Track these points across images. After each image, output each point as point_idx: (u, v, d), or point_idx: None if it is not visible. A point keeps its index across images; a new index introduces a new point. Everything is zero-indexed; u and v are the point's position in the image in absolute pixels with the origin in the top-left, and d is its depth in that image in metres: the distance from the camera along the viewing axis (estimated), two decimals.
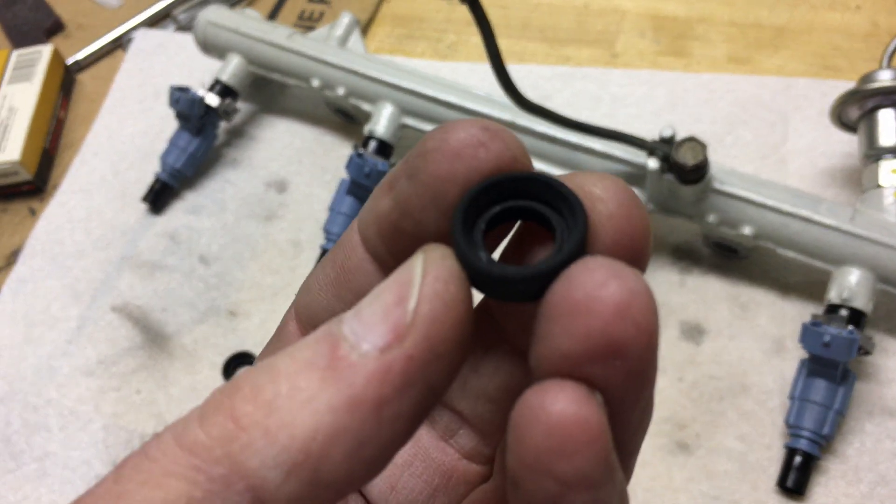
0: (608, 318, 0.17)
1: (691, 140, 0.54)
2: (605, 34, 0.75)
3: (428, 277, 0.18)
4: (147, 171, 0.71)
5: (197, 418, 0.18)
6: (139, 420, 0.60)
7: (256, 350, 0.62)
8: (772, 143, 0.67)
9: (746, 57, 0.72)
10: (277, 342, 0.25)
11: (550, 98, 0.71)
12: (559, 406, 0.17)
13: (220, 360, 0.62)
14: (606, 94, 0.71)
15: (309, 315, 0.23)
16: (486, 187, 0.19)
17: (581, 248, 0.19)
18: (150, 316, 0.65)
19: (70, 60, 0.81)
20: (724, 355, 0.58)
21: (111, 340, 0.64)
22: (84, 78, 0.81)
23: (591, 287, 0.17)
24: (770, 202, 0.55)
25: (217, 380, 0.61)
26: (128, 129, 0.76)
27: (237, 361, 0.62)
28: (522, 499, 0.18)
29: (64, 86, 0.79)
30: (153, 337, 0.64)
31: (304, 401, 0.17)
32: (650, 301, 0.17)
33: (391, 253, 0.21)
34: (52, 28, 0.83)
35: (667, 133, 0.55)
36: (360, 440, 0.17)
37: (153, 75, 0.79)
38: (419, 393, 0.17)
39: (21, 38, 0.83)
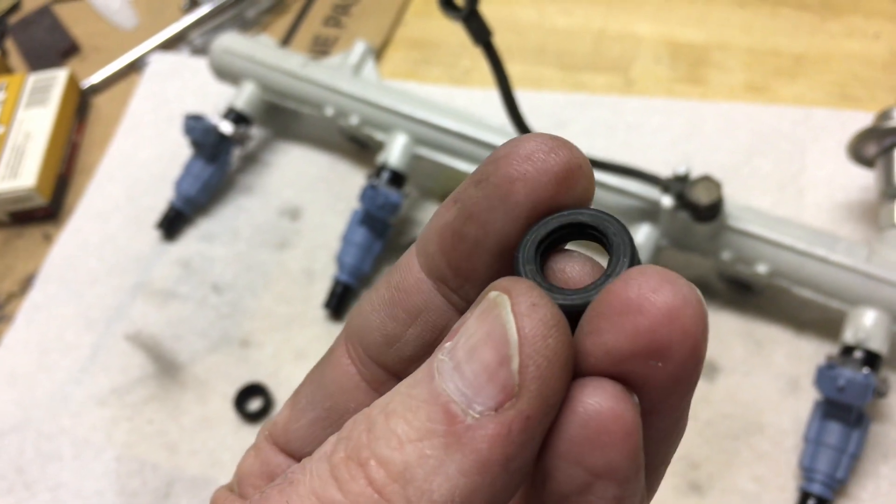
0: (657, 318, 0.18)
1: (706, 179, 0.54)
2: (620, 60, 0.74)
3: (526, 335, 0.18)
4: (161, 197, 0.71)
5: (331, 480, 0.19)
6: (151, 450, 0.60)
7: (268, 381, 0.62)
8: (789, 175, 0.66)
9: (764, 85, 0.71)
10: (324, 367, 0.25)
11: (566, 126, 0.71)
12: (597, 399, 0.18)
13: (232, 391, 0.62)
14: (622, 122, 0.71)
15: (360, 336, 0.24)
16: (554, 224, 0.20)
17: (636, 260, 0.20)
18: (163, 345, 0.65)
19: (85, 84, 0.81)
20: (739, 393, 0.57)
21: (124, 369, 0.64)
22: (99, 101, 0.82)
23: (646, 289, 0.18)
24: (785, 241, 0.55)
25: (228, 411, 0.61)
26: (142, 153, 0.76)
27: (249, 392, 0.62)
28: (551, 490, 0.19)
29: (79, 109, 0.79)
30: (165, 366, 0.64)
31: (435, 468, 0.18)
32: (701, 311, 0.18)
33: (451, 266, 0.22)
34: (67, 50, 0.84)
35: (681, 170, 0.55)
36: (493, 494, 0.18)
37: (168, 99, 0.79)
38: (538, 437, 0.18)
39: (37, 60, 0.83)
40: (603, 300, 0.18)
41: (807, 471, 0.51)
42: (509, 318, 0.18)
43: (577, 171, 0.20)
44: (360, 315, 0.24)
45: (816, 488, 0.51)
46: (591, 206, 0.21)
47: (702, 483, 0.54)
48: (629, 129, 0.70)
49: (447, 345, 0.19)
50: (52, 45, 0.84)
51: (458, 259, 0.21)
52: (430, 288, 0.22)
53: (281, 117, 0.76)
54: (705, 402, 0.57)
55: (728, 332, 0.60)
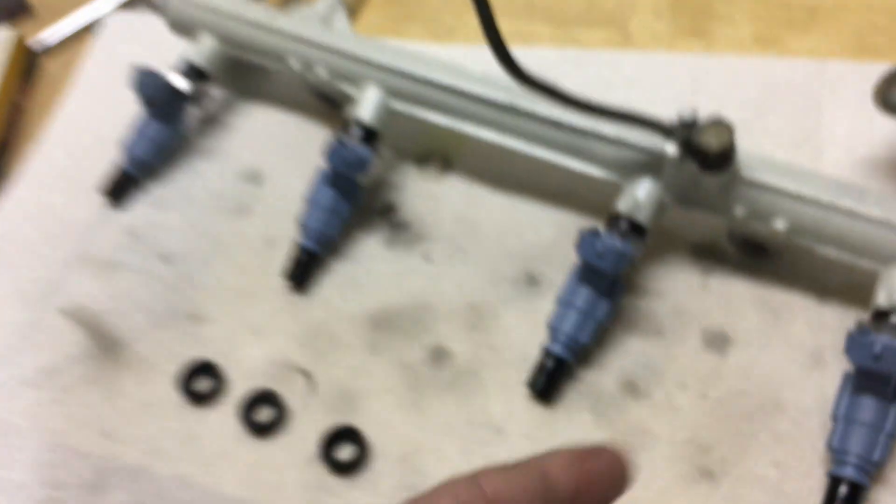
0: None
1: (716, 123, 0.47)
2: (617, 14, 0.68)
3: None
4: (110, 163, 0.64)
5: None
6: (84, 437, 0.53)
7: (220, 359, 0.55)
8: (805, 131, 0.59)
9: (774, 37, 0.64)
10: None
11: (558, 83, 0.64)
12: None
13: (177, 371, 0.54)
14: (620, 78, 0.64)
15: None
16: None
17: None
18: (103, 320, 0.58)
19: (34, 45, 0.74)
20: (754, 368, 0.50)
21: (58, 347, 0.57)
22: (49, 63, 0.75)
23: None
24: (807, 192, 0.48)
25: (172, 392, 0.54)
26: (93, 118, 0.69)
27: (196, 372, 0.54)
28: None
29: (26, 71, 0.72)
30: (105, 344, 0.57)
31: None
32: None
33: None
34: (14, 9, 0.77)
35: (687, 115, 0.48)
36: None
37: (124, 61, 0.71)
38: None
39: None
40: None
41: (837, 452, 0.44)
42: None
43: None
44: None
45: (849, 472, 0.43)
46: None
47: (714, 469, 0.47)
48: (628, 86, 0.63)
49: None
50: (0, 4, 0.77)
51: None
52: None
53: (243, 76, 0.69)
54: (716, 377, 0.50)
55: (740, 300, 0.53)
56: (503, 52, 0.44)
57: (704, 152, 0.46)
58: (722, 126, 0.46)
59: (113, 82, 0.70)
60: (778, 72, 0.62)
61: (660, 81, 0.64)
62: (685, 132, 0.47)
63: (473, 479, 0.27)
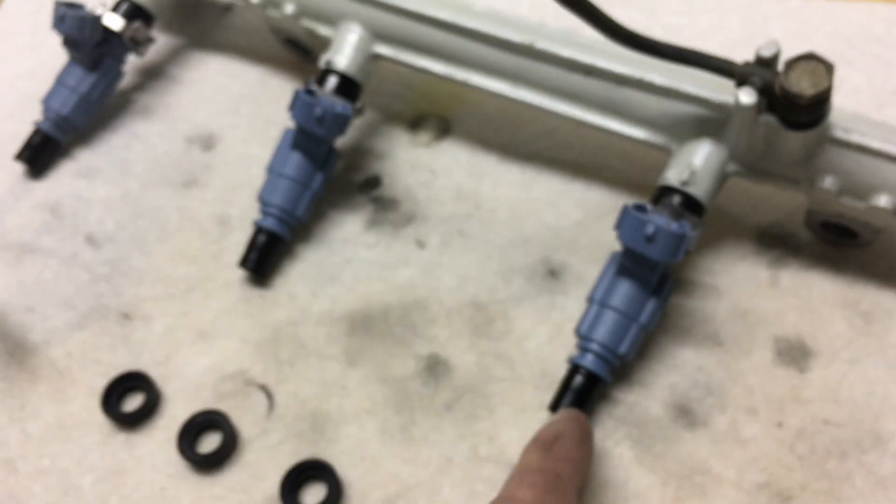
0: None
1: (809, 59, 0.35)
2: None
3: None
4: (27, 123, 0.52)
5: None
6: None
7: (155, 370, 0.43)
8: (890, 88, 0.48)
9: None
10: None
11: (582, 32, 0.52)
12: None
13: (103, 384, 0.42)
14: (658, 25, 0.52)
15: None
16: None
17: None
18: (10, 318, 0.46)
19: None
20: (844, 389, 0.39)
21: None
22: None
23: None
24: None
25: (95, 412, 0.42)
26: (12, 68, 0.57)
27: (126, 385, 0.42)
28: None
29: None
30: (11, 348, 0.45)
31: None
32: None
33: None
34: None
35: (768, 51, 0.36)
36: None
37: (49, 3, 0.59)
38: None
39: None
40: None
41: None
42: None
43: None
44: None
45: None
46: None
47: None
48: (668, 33, 0.51)
49: None
50: None
51: None
52: None
53: (195, 19, 0.57)
54: (795, 401, 0.39)
55: (823, 302, 0.41)
56: None
57: (793, 100, 0.35)
58: (817, 64, 0.35)
59: (37, 25, 0.58)
60: (853, 18, 0.51)
61: (706, 29, 0.52)
62: (764, 74, 0.36)
63: None
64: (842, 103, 0.41)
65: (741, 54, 0.38)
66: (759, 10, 0.52)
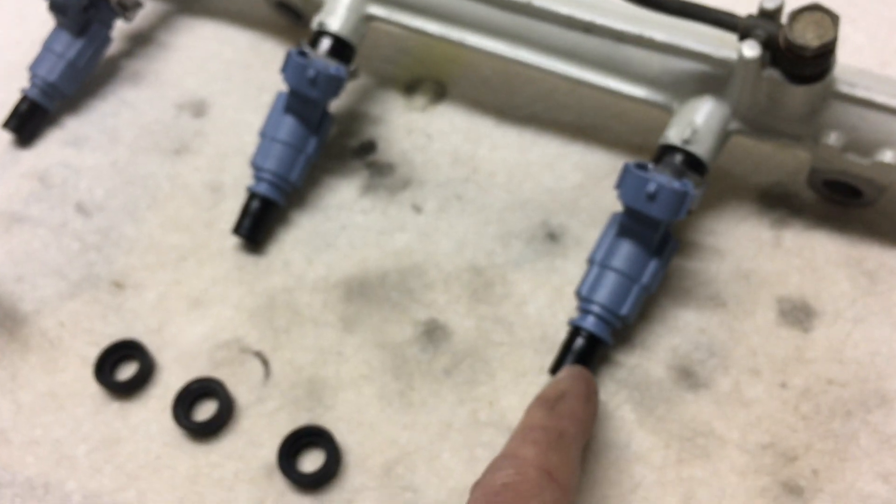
0: None
1: (814, 9, 0.34)
2: None
3: None
4: (13, 91, 0.51)
5: None
6: None
7: (149, 338, 0.42)
8: (893, 47, 0.47)
9: None
10: None
11: None
12: None
13: (95, 353, 0.42)
14: None
15: None
16: None
17: None
18: (0, 288, 0.45)
19: None
20: (848, 349, 0.38)
21: None
22: None
23: None
24: None
25: (88, 381, 0.41)
26: None
27: (118, 354, 0.42)
28: None
29: None
30: (1, 318, 0.44)
31: None
32: None
33: None
34: None
35: (771, 3, 0.35)
36: None
37: None
38: None
39: None
40: None
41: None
42: None
43: None
44: None
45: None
46: None
47: (802, 484, 0.35)
48: None
49: None
50: None
51: None
52: None
53: None
54: (799, 361, 0.38)
55: (826, 262, 0.41)
56: None
57: (798, 51, 0.34)
58: (823, 15, 0.34)
59: None
60: None
61: None
62: (768, 26, 0.35)
63: None
64: (845, 62, 0.41)
65: (745, 8, 0.37)
66: None
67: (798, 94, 0.36)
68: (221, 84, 0.51)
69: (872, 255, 0.40)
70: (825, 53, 0.34)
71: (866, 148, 0.37)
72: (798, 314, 0.39)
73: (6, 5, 0.57)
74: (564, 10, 0.41)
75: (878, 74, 0.38)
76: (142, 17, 0.54)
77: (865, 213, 0.41)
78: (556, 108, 0.47)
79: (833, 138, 0.37)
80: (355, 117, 0.49)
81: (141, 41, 0.54)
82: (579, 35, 0.41)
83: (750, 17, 0.36)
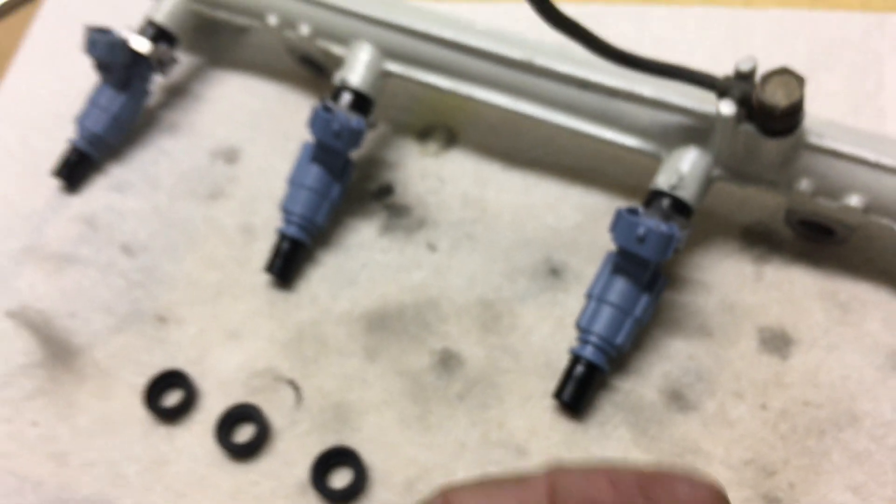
0: None
1: (783, 73, 0.39)
2: None
3: None
4: (64, 142, 0.55)
5: None
6: (34, 462, 0.45)
7: (191, 368, 0.47)
8: (865, 92, 0.51)
9: None
10: None
11: (577, 48, 0.56)
12: None
13: (142, 382, 0.46)
14: (647, 35, 0.56)
15: None
16: None
17: None
18: (55, 323, 0.49)
19: None
20: (822, 374, 0.42)
21: (3, 356, 0.48)
22: None
23: None
24: (888, 161, 0.40)
25: (137, 407, 0.46)
26: (43, 89, 0.60)
27: (165, 383, 0.46)
28: None
29: None
30: (57, 351, 0.48)
31: None
32: None
33: None
34: None
35: (746, 66, 0.40)
36: None
37: (77, 23, 0.63)
38: None
39: None
40: None
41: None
42: None
43: None
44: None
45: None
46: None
47: (780, 496, 0.39)
48: (657, 44, 0.55)
49: None
50: None
51: None
52: None
53: (215, 39, 0.60)
54: (778, 385, 0.42)
55: (803, 294, 0.45)
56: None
57: (769, 110, 0.38)
58: (790, 77, 0.38)
59: (65, 47, 0.61)
60: (830, 26, 0.54)
61: (692, 39, 0.56)
62: (743, 87, 0.39)
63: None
64: (820, 106, 0.45)
65: (726, 60, 0.42)
66: (743, 19, 0.56)
67: (771, 146, 0.41)
68: (250, 132, 0.56)
69: (845, 288, 0.45)
70: (793, 112, 0.39)
71: (835, 192, 0.41)
72: (777, 342, 0.44)
73: (48, 59, 0.62)
74: (562, 68, 0.45)
75: (845, 125, 0.42)
76: (177, 70, 0.58)
77: (838, 250, 0.45)
78: (557, 154, 0.52)
79: (805, 184, 0.42)
80: (374, 163, 0.53)
81: (177, 93, 0.59)
82: (576, 91, 0.46)
83: (727, 77, 0.40)
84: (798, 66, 0.49)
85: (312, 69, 0.56)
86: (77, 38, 0.55)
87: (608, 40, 0.40)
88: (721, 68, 0.41)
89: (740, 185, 0.44)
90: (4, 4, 0.67)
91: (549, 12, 0.37)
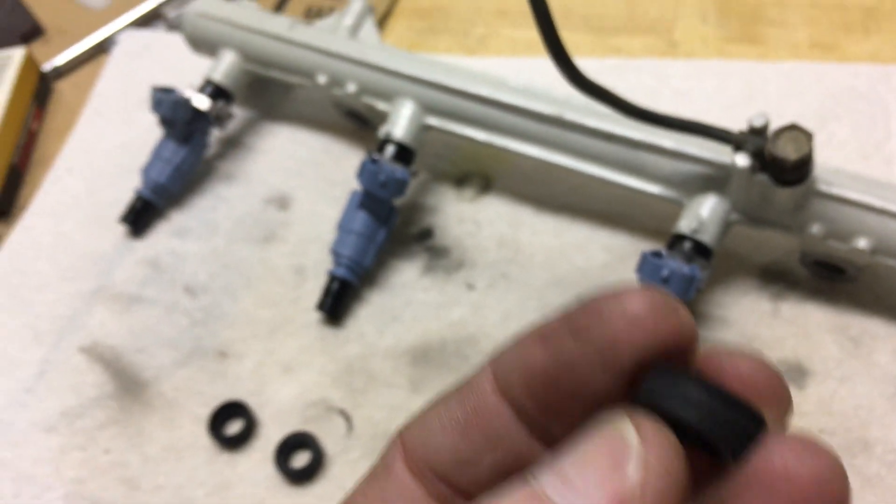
0: (808, 487, 0.17)
1: (792, 129, 0.42)
2: (661, 20, 0.64)
3: (653, 449, 0.17)
4: (128, 190, 0.60)
5: None
6: (107, 486, 0.49)
7: (250, 399, 0.51)
8: (874, 141, 0.55)
9: (832, 42, 0.60)
10: (383, 483, 0.23)
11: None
12: None
13: (206, 412, 0.50)
14: (667, 88, 0.60)
15: (424, 455, 0.22)
16: (665, 371, 0.19)
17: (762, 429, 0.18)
18: (124, 358, 0.54)
19: (47, 67, 0.71)
20: (836, 403, 0.46)
21: (77, 388, 0.53)
22: (63, 86, 0.71)
23: (792, 459, 0.17)
24: (893, 207, 0.43)
25: (202, 436, 0.50)
26: (108, 142, 0.66)
27: (226, 413, 0.50)
28: None
29: (38, 94, 0.69)
30: (127, 384, 0.53)
31: None
32: (844, 475, 0.18)
33: (540, 405, 0.21)
34: (29, 33, 0.74)
35: (759, 122, 0.44)
36: None
37: (139, 81, 0.69)
38: None
39: None
40: (745, 471, 0.18)
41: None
42: (634, 434, 0.17)
43: (686, 337, 0.19)
44: (423, 431, 0.23)
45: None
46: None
47: None
48: (676, 96, 0.59)
49: (546, 458, 0.18)
50: (12, 27, 0.74)
51: (550, 401, 0.21)
52: (511, 415, 0.21)
53: (266, 95, 0.65)
54: (796, 413, 0.45)
55: (817, 328, 0.48)
56: (562, 52, 0.40)
57: (780, 163, 0.42)
58: (799, 133, 0.42)
59: (128, 103, 0.67)
60: (840, 78, 0.58)
61: (710, 91, 0.59)
62: (756, 141, 0.43)
63: None
64: (830, 153, 0.49)
65: (743, 110, 0.46)
66: (757, 72, 0.60)
67: (784, 194, 0.44)
68: (300, 180, 0.61)
69: (856, 323, 0.48)
70: (802, 164, 0.42)
71: (844, 236, 0.45)
72: (793, 374, 0.47)
73: (113, 115, 0.67)
74: (590, 123, 0.50)
75: (853, 173, 0.46)
76: (232, 124, 0.63)
77: (849, 288, 0.49)
78: (586, 199, 0.56)
79: (816, 228, 0.45)
80: (415, 208, 0.58)
81: (232, 145, 0.63)
82: (603, 143, 0.50)
83: (741, 132, 0.44)
84: (809, 116, 0.54)
85: (356, 122, 0.61)
86: (138, 92, 0.60)
87: (631, 100, 0.44)
88: (738, 117, 0.45)
89: (757, 228, 0.47)
90: (71, 61, 0.72)
91: (577, 79, 0.41)
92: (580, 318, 0.20)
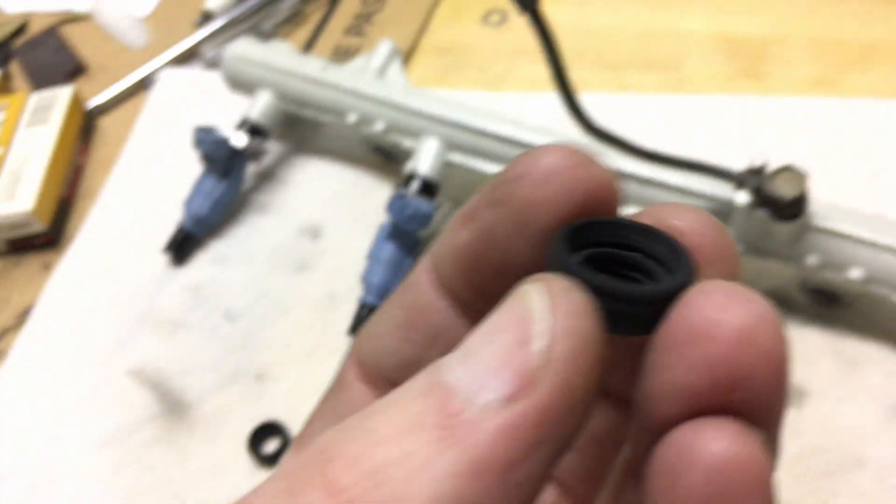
0: (732, 344, 0.16)
1: (787, 169, 0.46)
2: (670, 57, 0.68)
3: (559, 312, 0.15)
4: (169, 220, 0.65)
5: (285, 493, 0.16)
6: (156, 501, 0.53)
7: (286, 418, 0.55)
8: (870, 173, 0.58)
9: (832, 78, 0.64)
10: (336, 395, 0.23)
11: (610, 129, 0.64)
12: (720, 446, 0.15)
13: (246, 431, 0.54)
14: (674, 122, 0.64)
15: (374, 362, 0.22)
16: (584, 225, 0.18)
17: (693, 277, 0.17)
18: (170, 380, 0.58)
19: (91, 104, 0.76)
20: (832, 422, 0.49)
21: (127, 408, 0.57)
22: (105, 122, 0.76)
23: (712, 311, 0.16)
24: (885, 240, 0.47)
25: (242, 454, 0.54)
26: (150, 175, 0.70)
27: (265, 432, 0.54)
28: None
29: (84, 131, 0.74)
30: (172, 404, 0.57)
31: (418, 467, 0.14)
32: (777, 326, 0.16)
33: (471, 288, 0.20)
34: (73, 71, 0.79)
35: (757, 162, 0.47)
36: None
37: (178, 117, 0.73)
38: (552, 450, 0.15)
39: (41, 82, 0.78)
40: (665, 331, 0.16)
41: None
42: (536, 297, 0.15)
43: (604, 188, 0.18)
44: (370, 337, 0.22)
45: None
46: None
47: None
48: (683, 130, 0.63)
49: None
50: (58, 67, 0.79)
51: (479, 281, 0.19)
52: (449, 306, 0.20)
53: (299, 130, 0.70)
54: (794, 432, 0.49)
55: (815, 352, 0.52)
56: (571, 99, 0.44)
57: (777, 201, 0.46)
58: (794, 173, 0.46)
59: (168, 138, 0.71)
60: (839, 113, 0.61)
61: (716, 125, 0.63)
62: (755, 180, 0.47)
63: None
64: (827, 186, 0.52)
65: (744, 143, 0.49)
66: (759, 107, 0.63)
67: (782, 229, 0.48)
68: (331, 212, 0.65)
69: (852, 346, 0.51)
70: (798, 202, 0.46)
71: (839, 266, 0.48)
72: (793, 395, 0.50)
73: (153, 147, 0.72)
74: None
75: (847, 208, 0.49)
76: (266, 157, 0.68)
77: (846, 314, 0.52)
78: None
79: (812, 259, 0.49)
80: (436, 237, 0.61)
81: (267, 178, 0.68)
82: None
83: (742, 172, 0.48)
84: (810, 150, 0.57)
85: (383, 156, 0.65)
86: (177, 128, 0.64)
87: (639, 143, 0.47)
88: (739, 150, 0.49)
89: (758, 258, 0.51)
90: (113, 98, 0.77)
91: (588, 126, 0.45)
92: (497, 186, 0.19)
